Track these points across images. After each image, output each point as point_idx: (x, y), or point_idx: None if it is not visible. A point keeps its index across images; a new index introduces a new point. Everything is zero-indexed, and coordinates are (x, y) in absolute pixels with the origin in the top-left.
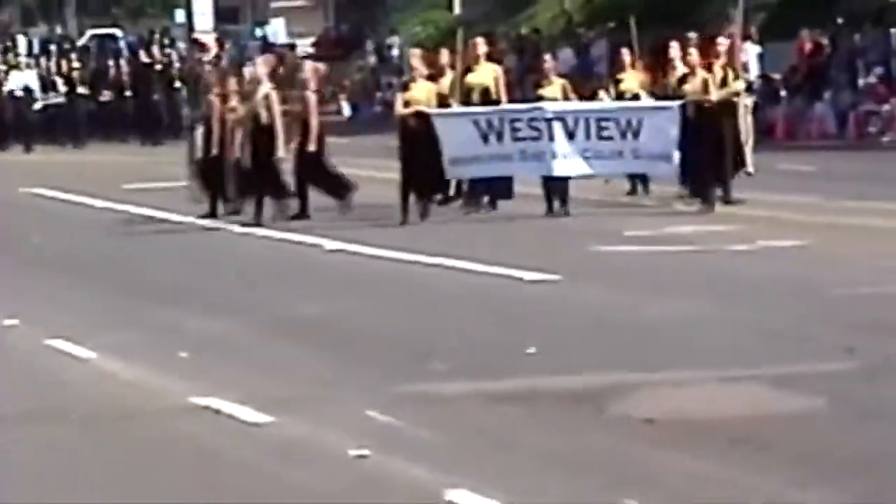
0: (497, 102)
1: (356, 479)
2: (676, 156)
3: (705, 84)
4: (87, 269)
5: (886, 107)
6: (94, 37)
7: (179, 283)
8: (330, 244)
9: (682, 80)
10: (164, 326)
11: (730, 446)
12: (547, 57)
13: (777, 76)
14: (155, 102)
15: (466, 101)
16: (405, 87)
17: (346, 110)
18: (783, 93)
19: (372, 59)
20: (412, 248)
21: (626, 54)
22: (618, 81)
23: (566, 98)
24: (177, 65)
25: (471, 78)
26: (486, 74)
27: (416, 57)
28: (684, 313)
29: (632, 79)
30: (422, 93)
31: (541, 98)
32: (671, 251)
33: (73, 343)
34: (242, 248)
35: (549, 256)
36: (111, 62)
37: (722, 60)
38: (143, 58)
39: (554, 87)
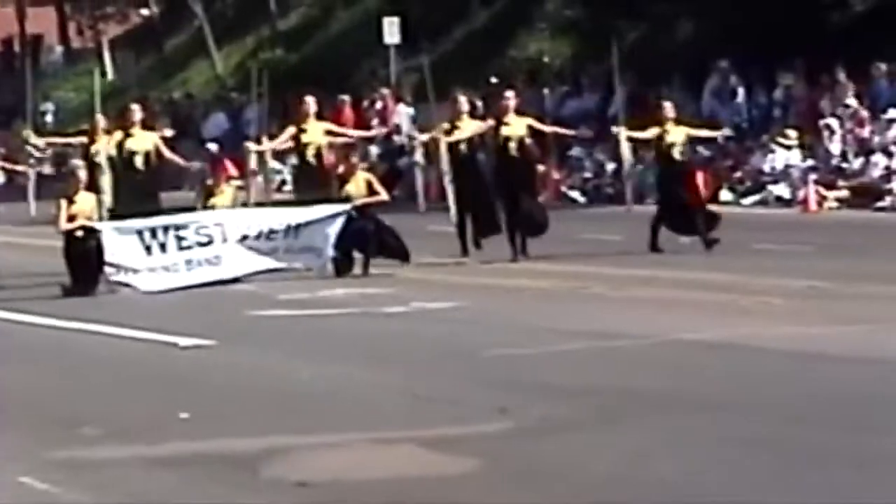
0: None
1: None
2: (330, 253)
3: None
4: None
5: (541, 167)
6: None
7: None
8: None
9: None
10: None
11: None
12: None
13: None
14: None
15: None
16: (69, 200)
17: (0, 178)
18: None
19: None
20: (69, 315)
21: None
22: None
23: (234, 206)
24: None
25: (130, 143)
26: (147, 140)
27: (80, 169)
28: (337, 376)
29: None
30: (86, 205)
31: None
32: (325, 314)
33: None
34: None
35: (204, 321)
36: None
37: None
38: None
39: (225, 195)
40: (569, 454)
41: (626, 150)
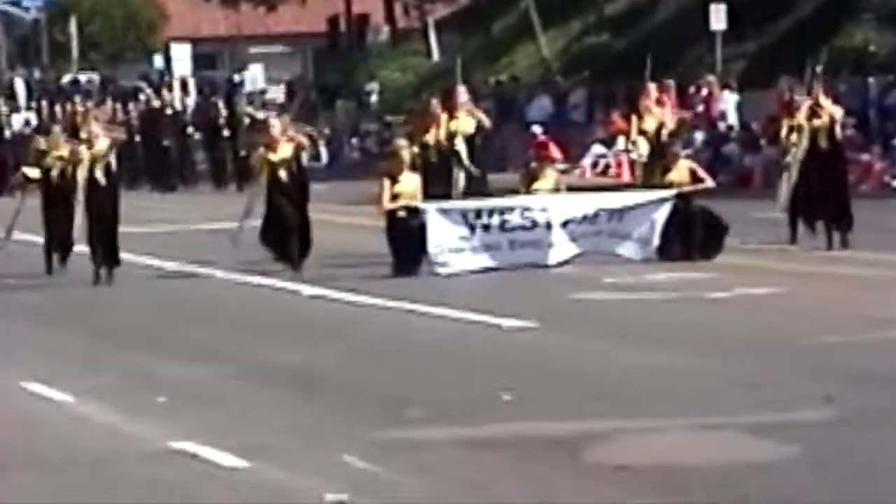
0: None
1: None
2: (656, 241)
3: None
4: (65, 314)
5: (865, 156)
6: (74, 81)
7: (156, 329)
8: (309, 290)
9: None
10: (140, 372)
11: (706, 494)
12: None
13: (755, 125)
14: (166, 148)
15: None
16: (393, 179)
17: (325, 156)
18: (763, 141)
19: (350, 105)
20: (394, 295)
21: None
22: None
23: (557, 189)
24: (189, 110)
25: (454, 125)
26: (469, 122)
27: (404, 149)
28: (661, 361)
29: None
30: (409, 185)
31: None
32: (649, 299)
33: (49, 387)
34: (230, 295)
35: (528, 304)
36: (118, 106)
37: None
38: (154, 102)
39: (548, 179)
40: (889, 444)
41: None
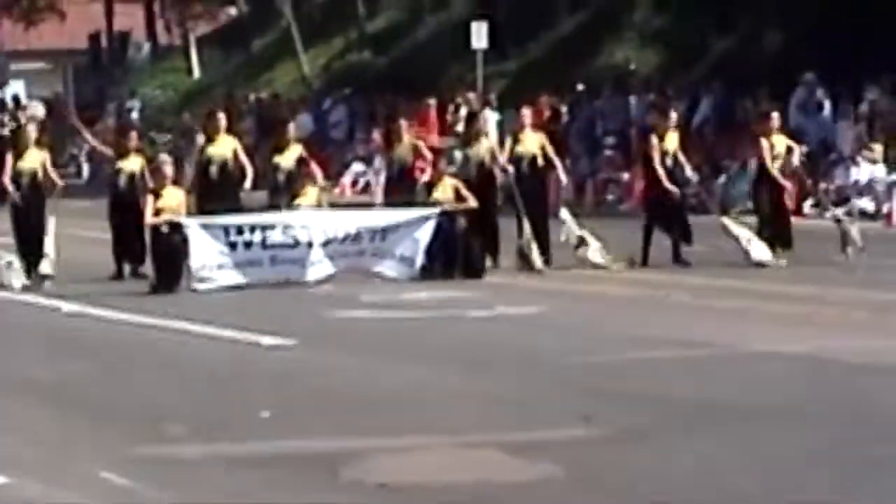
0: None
1: None
2: (420, 261)
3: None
4: None
5: (625, 175)
6: None
7: None
8: (67, 307)
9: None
10: None
11: None
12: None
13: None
14: None
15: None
16: (156, 195)
17: (86, 173)
18: None
19: (111, 122)
20: (151, 312)
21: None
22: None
23: (319, 206)
24: None
25: (211, 150)
26: (227, 145)
27: (167, 164)
28: (419, 379)
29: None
30: (172, 200)
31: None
32: (408, 318)
33: None
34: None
35: (288, 321)
36: None
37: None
38: None
39: (308, 196)
40: (645, 462)
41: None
